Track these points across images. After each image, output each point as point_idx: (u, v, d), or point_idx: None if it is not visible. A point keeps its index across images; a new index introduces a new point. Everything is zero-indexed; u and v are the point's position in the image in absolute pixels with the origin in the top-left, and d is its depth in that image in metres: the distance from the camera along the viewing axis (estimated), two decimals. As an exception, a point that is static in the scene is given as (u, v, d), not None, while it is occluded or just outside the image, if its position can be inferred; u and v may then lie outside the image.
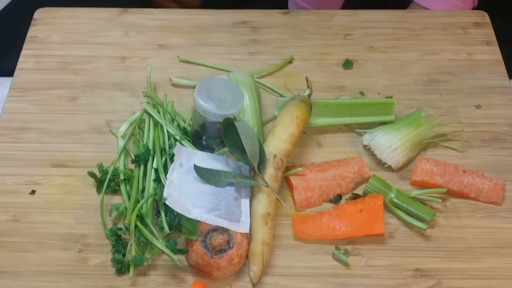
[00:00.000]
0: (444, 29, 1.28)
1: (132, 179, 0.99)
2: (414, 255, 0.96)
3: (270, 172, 0.98)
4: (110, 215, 0.97)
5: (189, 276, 0.93)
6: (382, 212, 0.97)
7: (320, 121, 1.10)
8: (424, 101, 1.16)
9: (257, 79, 1.16)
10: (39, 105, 1.13)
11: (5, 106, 1.13)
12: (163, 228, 0.92)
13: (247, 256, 0.93)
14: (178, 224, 0.92)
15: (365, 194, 1.01)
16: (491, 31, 1.27)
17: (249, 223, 0.94)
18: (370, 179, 1.01)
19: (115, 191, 1.00)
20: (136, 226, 0.92)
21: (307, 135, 1.10)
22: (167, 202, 0.90)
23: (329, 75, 1.20)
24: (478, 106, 1.15)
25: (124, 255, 0.93)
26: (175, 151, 0.97)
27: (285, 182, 1.04)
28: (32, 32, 1.25)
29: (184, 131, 1.03)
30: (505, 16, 1.48)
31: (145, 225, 0.94)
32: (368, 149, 1.08)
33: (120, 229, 0.94)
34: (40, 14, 1.28)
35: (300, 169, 1.03)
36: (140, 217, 0.94)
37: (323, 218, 0.98)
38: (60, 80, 1.17)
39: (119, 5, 1.29)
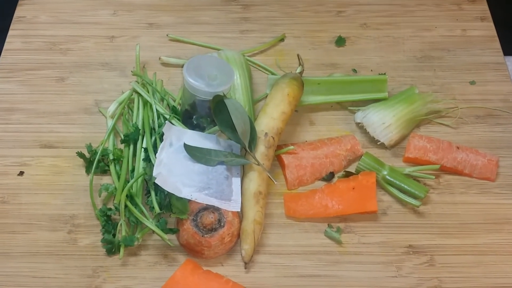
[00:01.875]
0: (438, 5, 1.26)
1: (121, 159, 0.98)
2: (407, 231, 0.96)
3: (261, 150, 0.97)
4: (99, 196, 0.96)
5: (180, 255, 0.92)
6: (375, 189, 0.96)
7: (312, 99, 1.09)
8: (417, 78, 1.14)
9: (248, 57, 1.15)
10: (27, 85, 1.12)
11: (-8, 87, 1.11)
12: (153, 207, 0.91)
13: (238, 235, 0.92)
14: (169, 203, 0.91)
15: (357, 171, 1.00)
16: (486, 7, 1.26)
17: (240, 202, 0.93)
18: (362, 157, 1.00)
19: (105, 171, 0.99)
20: (126, 206, 0.91)
21: (299, 113, 1.09)
22: (156, 181, 0.89)
23: (322, 53, 1.18)
24: (472, 82, 1.14)
25: (114, 235, 0.92)
26: (164, 130, 0.96)
27: (277, 161, 1.03)
28: (19, 12, 1.23)
29: (173, 110, 1.02)
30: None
31: (135, 205, 0.93)
32: (361, 127, 1.06)
33: (110, 209, 0.93)
34: (27, -7, 1.26)
35: (292, 147, 1.01)
36: (130, 197, 0.93)
37: (316, 196, 0.97)
38: (48, 60, 1.15)
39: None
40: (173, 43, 1.19)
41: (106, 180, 0.99)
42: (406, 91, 1.09)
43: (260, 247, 0.93)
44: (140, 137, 0.99)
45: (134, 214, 0.91)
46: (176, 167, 0.93)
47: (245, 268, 0.92)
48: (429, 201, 0.99)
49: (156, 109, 1.01)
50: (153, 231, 0.91)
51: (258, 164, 0.95)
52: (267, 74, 1.14)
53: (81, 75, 1.13)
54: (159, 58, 1.15)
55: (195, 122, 1.01)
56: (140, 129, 1.00)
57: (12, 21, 1.21)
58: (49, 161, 1.02)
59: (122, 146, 1.00)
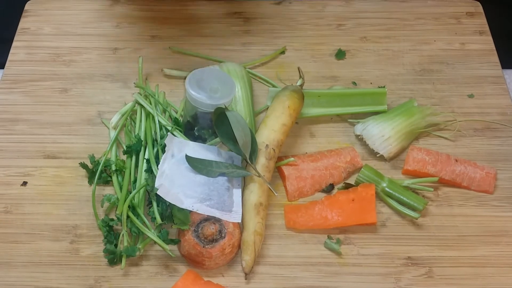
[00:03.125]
0: (437, 19, 1.27)
1: (123, 170, 0.99)
2: (406, 243, 0.96)
3: (262, 162, 0.98)
4: (102, 206, 0.97)
5: (181, 266, 0.93)
6: (374, 201, 0.97)
7: (312, 111, 1.10)
8: (416, 90, 1.16)
9: (249, 70, 1.16)
10: (30, 96, 1.13)
11: (-4, 98, 1.13)
12: (155, 218, 0.92)
13: (239, 246, 0.93)
14: (170, 214, 0.92)
15: (357, 183, 1.01)
16: (484, 21, 1.27)
17: (241, 213, 0.94)
18: (362, 169, 1.01)
19: (107, 182, 1.00)
20: (128, 216, 0.92)
21: (299, 125, 1.10)
22: (158, 192, 0.90)
23: (322, 65, 1.19)
24: (470, 96, 1.15)
25: (116, 245, 0.93)
26: (166, 141, 0.97)
27: (278, 172, 1.04)
28: (23, 23, 1.24)
29: (175, 122, 1.03)
30: (499, 6, 1.48)
31: (137, 215, 0.94)
32: (360, 139, 1.08)
33: (112, 219, 0.94)
34: (31, 5, 1.27)
35: (292, 159, 1.03)
36: (132, 208, 0.94)
37: (316, 207, 0.98)
38: (52, 71, 1.17)
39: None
40: (175, 55, 1.20)
41: (108, 190, 1.00)
42: (405, 104, 1.10)
43: (261, 258, 0.94)
44: (142, 148, 1.00)
45: (136, 225, 0.92)
46: (178, 178, 0.94)
47: (246, 279, 0.92)
48: (428, 213, 1.00)
49: (158, 121, 1.02)
50: (155, 242, 0.92)
51: (259, 176, 0.96)
52: (268, 86, 1.15)
53: (84, 86, 1.14)
54: (162, 70, 1.16)
55: (196, 134, 1.02)
56: (142, 141, 1.01)
57: (16, 33, 1.23)
58: (52, 171, 1.03)
59: (124, 157, 1.01)
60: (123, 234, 0.92)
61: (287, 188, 1.01)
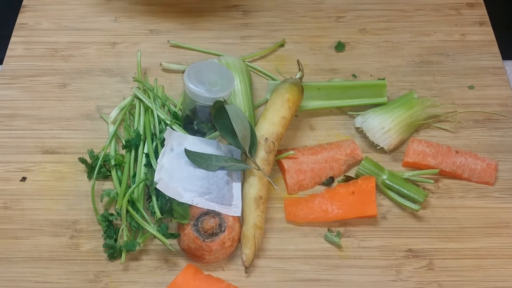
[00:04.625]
0: (436, 10, 1.27)
1: (123, 164, 0.99)
2: (406, 236, 0.96)
3: (261, 155, 0.97)
4: (101, 201, 0.97)
5: (181, 260, 0.93)
6: (375, 194, 0.97)
7: (312, 104, 1.09)
8: (416, 82, 1.15)
9: (248, 63, 1.16)
10: (29, 92, 1.12)
11: (-5, 94, 1.12)
12: (154, 212, 0.92)
13: (239, 240, 0.93)
14: (170, 208, 0.92)
15: (357, 176, 1.01)
16: (484, 12, 1.26)
17: (240, 207, 0.94)
18: (362, 161, 1.01)
19: (106, 176, 1.00)
20: (127, 211, 0.92)
21: (299, 118, 1.10)
22: (157, 187, 0.90)
23: (321, 58, 1.19)
24: (471, 87, 1.15)
25: (116, 240, 0.92)
26: (165, 135, 0.97)
27: (277, 166, 1.04)
28: (21, 19, 1.24)
29: (174, 116, 1.03)
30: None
31: (137, 210, 0.93)
32: (360, 131, 1.07)
33: (112, 214, 0.94)
34: (29, 0, 1.27)
35: (292, 152, 1.02)
36: (132, 202, 0.94)
37: (316, 200, 0.98)
38: (50, 66, 1.16)
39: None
40: (174, 49, 1.20)
41: (107, 185, 1.00)
42: (405, 95, 1.09)
43: (261, 252, 0.94)
44: (141, 143, 1.00)
45: (136, 219, 0.92)
46: (177, 172, 0.94)
47: (246, 273, 0.92)
48: (428, 205, 0.99)
49: (157, 115, 1.02)
50: (155, 236, 0.92)
51: (259, 169, 0.95)
52: (267, 79, 1.15)
53: (82, 81, 1.14)
54: (160, 64, 1.16)
55: (196, 128, 1.02)
56: (141, 135, 1.01)
57: (14, 28, 1.22)
58: (51, 166, 1.03)
59: (123, 151, 1.01)
60: (122, 229, 0.92)
61: (287, 181, 1.01)
